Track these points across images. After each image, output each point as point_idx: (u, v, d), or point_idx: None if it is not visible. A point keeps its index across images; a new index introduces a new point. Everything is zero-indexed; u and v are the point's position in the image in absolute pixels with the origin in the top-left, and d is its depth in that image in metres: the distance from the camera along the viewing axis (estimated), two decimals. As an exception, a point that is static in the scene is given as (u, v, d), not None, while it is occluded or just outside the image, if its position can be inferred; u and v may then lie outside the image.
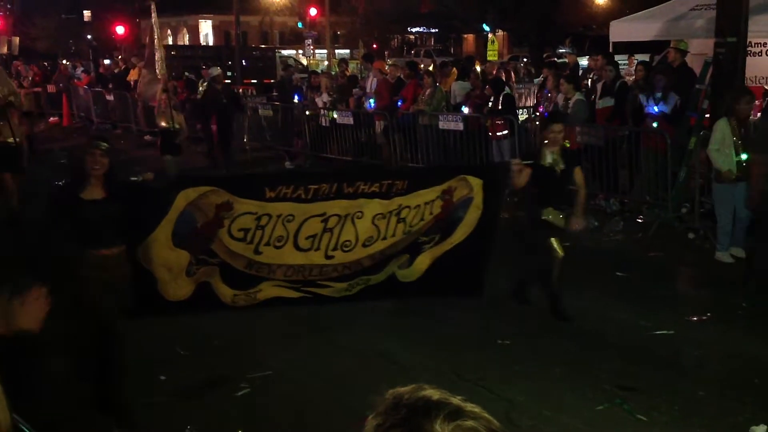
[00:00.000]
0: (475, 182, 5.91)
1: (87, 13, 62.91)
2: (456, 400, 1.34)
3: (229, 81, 20.14)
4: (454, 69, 15.36)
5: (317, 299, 5.88)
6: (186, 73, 20.53)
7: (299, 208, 5.49)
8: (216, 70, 16.04)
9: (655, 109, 10.44)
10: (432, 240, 5.96)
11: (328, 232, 5.58)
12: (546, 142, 6.88)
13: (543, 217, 6.86)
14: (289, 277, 5.67)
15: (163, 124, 11.66)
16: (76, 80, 25.27)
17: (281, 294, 5.75)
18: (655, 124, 10.46)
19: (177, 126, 11.51)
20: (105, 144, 5.21)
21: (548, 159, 6.80)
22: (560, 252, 6.90)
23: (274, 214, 5.44)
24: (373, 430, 1.33)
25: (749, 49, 10.94)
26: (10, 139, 10.26)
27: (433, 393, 1.35)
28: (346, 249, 5.67)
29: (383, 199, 5.65)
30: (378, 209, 5.65)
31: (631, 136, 10.83)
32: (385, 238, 5.74)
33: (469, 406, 1.33)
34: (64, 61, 35.44)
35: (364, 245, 5.69)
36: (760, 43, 12.78)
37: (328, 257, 5.66)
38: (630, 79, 11.93)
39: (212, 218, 5.33)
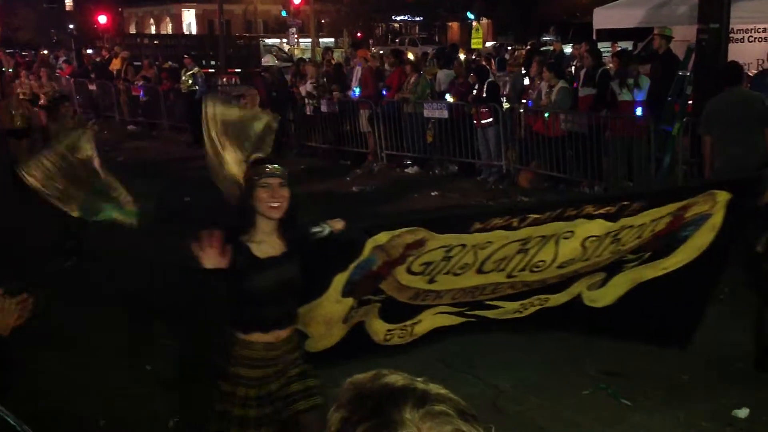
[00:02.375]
0: (722, 197, 4.44)
1: (69, 3, 62.37)
2: (420, 384, 1.28)
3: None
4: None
5: (481, 324, 4.71)
6: (169, 63, 20.39)
7: (501, 235, 4.26)
8: (271, 59, 14.73)
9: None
10: (639, 258, 4.57)
11: (521, 253, 4.35)
12: None
13: None
14: (456, 300, 4.54)
15: None
16: (58, 70, 25.04)
17: (441, 323, 4.63)
18: (639, 110, 10.53)
19: None
20: (279, 167, 3.46)
21: None
22: None
23: (470, 244, 4.23)
24: (339, 424, 1.25)
25: (732, 35, 11.03)
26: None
27: (396, 379, 1.29)
28: (536, 270, 4.44)
29: (608, 221, 4.34)
30: (594, 231, 4.34)
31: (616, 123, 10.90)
32: (587, 260, 4.46)
33: (434, 388, 1.28)
34: (44, 51, 35.14)
35: (559, 267, 4.44)
36: (743, 30, 12.85)
37: (509, 276, 4.46)
38: (611, 67, 12.02)
39: (396, 258, 4.11)
